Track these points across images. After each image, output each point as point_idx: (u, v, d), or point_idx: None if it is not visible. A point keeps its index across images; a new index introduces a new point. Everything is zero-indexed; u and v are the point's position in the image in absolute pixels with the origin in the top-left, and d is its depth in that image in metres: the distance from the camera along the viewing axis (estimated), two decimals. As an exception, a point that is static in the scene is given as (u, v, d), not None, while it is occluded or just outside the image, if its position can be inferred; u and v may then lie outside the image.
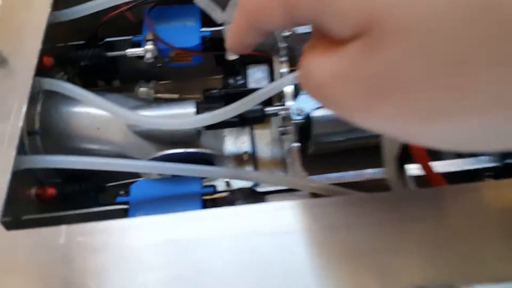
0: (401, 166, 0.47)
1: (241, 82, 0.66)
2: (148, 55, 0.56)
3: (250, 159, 0.66)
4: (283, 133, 0.59)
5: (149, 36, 0.57)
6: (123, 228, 0.33)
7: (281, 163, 0.66)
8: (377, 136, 0.52)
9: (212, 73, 0.72)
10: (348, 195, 0.44)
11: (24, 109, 0.41)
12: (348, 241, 0.31)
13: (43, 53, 0.50)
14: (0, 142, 0.40)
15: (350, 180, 0.49)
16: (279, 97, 0.62)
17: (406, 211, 0.33)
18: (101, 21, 0.59)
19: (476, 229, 0.31)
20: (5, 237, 0.34)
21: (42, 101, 0.53)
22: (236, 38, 0.27)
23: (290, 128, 0.52)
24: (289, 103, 0.52)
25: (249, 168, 0.63)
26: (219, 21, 0.55)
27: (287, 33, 0.55)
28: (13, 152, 0.38)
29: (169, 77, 0.73)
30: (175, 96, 0.68)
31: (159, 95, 0.67)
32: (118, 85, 0.71)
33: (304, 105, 0.49)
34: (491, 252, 0.30)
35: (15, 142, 0.39)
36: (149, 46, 0.56)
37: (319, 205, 0.33)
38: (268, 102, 0.66)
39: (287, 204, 0.33)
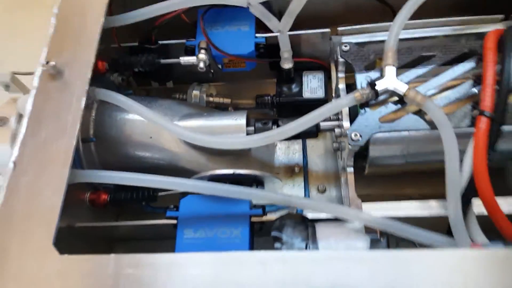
0: (466, 201, 0.43)
1: (296, 90, 0.63)
2: (201, 65, 0.54)
3: (301, 171, 0.64)
4: (337, 149, 0.56)
5: (203, 44, 0.56)
6: (170, 263, 0.33)
7: (334, 178, 0.63)
8: (436, 162, 0.48)
9: (266, 76, 0.69)
10: (402, 233, 0.41)
11: (78, 125, 0.41)
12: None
13: (97, 57, 0.50)
14: (56, 158, 0.40)
15: (406, 214, 0.45)
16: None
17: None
18: (155, 24, 0.58)
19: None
20: (57, 261, 0.35)
21: (96, 107, 0.54)
22: None
23: (345, 145, 0.49)
24: (345, 123, 0.48)
25: (299, 186, 0.61)
26: (275, 30, 0.52)
27: (346, 48, 0.51)
28: (67, 173, 0.38)
29: (222, 79, 0.71)
30: (227, 100, 0.66)
31: (211, 99, 0.66)
32: (172, 86, 0.70)
33: (362, 129, 0.46)
34: None
35: (69, 159, 0.39)
36: (202, 55, 0.55)
37: (377, 260, 0.30)
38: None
39: (342, 255, 0.30)
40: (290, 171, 0.64)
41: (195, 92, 0.65)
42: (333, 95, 0.59)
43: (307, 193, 0.62)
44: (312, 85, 0.62)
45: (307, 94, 0.62)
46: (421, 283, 0.29)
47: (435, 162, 0.50)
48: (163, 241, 0.58)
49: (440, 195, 0.59)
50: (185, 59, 0.55)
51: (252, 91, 0.70)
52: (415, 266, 0.30)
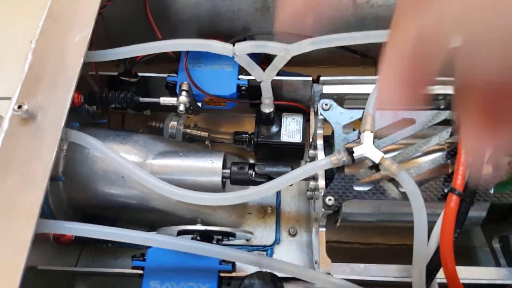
0: (431, 274, 0.44)
1: (274, 131, 0.62)
2: (181, 108, 0.53)
3: (273, 212, 0.64)
4: (311, 198, 0.56)
5: (185, 86, 0.55)
6: None
7: (306, 221, 0.63)
8: (407, 222, 0.49)
9: (246, 111, 0.69)
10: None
11: (47, 177, 0.39)
12: None
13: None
14: (21, 211, 0.38)
15: (375, 278, 0.46)
16: (310, 143, 0.59)
17: None
18: (136, 59, 0.56)
19: None
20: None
21: (68, 143, 0.52)
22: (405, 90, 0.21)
23: (319, 204, 0.50)
24: (320, 182, 0.48)
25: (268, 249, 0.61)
26: (258, 79, 0.52)
27: (326, 107, 0.51)
28: (32, 230, 0.37)
29: (201, 112, 0.70)
30: (205, 134, 0.66)
31: (188, 131, 0.65)
32: (149, 114, 0.69)
33: (337, 195, 0.46)
34: None
35: (36, 214, 0.38)
36: (183, 97, 0.54)
37: None
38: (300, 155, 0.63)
39: None
40: (262, 211, 0.64)
41: (172, 123, 0.64)
42: (310, 140, 0.60)
43: (278, 236, 0.62)
44: (290, 128, 0.62)
45: (284, 137, 0.61)
46: None
47: (405, 222, 0.51)
48: (127, 277, 0.58)
49: (405, 247, 0.61)
50: (166, 100, 0.54)
51: (231, 124, 0.70)
52: None
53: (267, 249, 0.62)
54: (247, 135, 0.64)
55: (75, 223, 0.42)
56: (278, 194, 0.65)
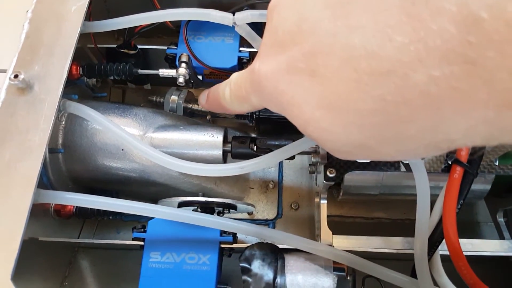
0: (433, 246, 0.43)
1: (276, 105, 0.61)
2: (181, 79, 0.52)
3: (275, 187, 0.64)
4: (313, 172, 0.56)
5: (184, 57, 0.54)
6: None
7: (308, 195, 0.63)
8: (409, 195, 0.49)
9: (247, 86, 0.68)
10: (369, 271, 0.42)
11: (45, 146, 0.39)
12: None
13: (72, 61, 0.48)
14: (19, 181, 0.38)
15: (376, 250, 0.46)
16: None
17: None
18: (135, 30, 0.55)
19: None
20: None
21: (67, 116, 0.52)
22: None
23: (320, 176, 0.49)
24: (322, 154, 0.48)
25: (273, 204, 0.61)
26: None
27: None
28: (29, 200, 0.37)
29: (202, 85, 0.69)
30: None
31: (189, 105, 0.64)
32: (149, 88, 0.68)
33: (338, 167, 0.46)
34: None
35: (33, 184, 0.38)
36: (183, 69, 0.53)
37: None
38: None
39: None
40: (264, 186, 0.64)
41: (173, 97, 0.63)
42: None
43: (280, 211, 0.62)
44: (293, 102, 0.61)
45: (287, 111, 0.60)
46: None
47: (408, 195, 0.51)
48: (130, 251, 0.58)
49: (409, 221, 0.60)
50: (164, 72, 0.53)
51: (233, 99, 0.69)
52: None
53: (269, 223, 0.62)
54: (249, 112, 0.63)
55: (76, 193, 0.41)
56: (281, 168, 0.65)
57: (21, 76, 0.41)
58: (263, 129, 0.63)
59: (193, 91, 0.67)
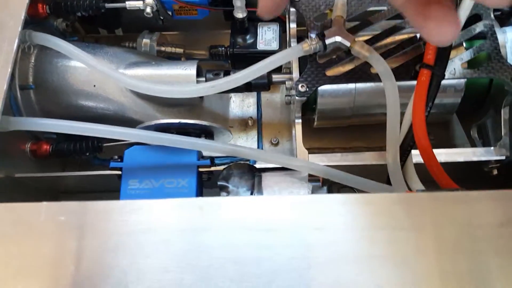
0: (405, 152, 0.44)
1: (250, 41, 0.61)
2: (148, 10, 0.52)
3: (255, 124, 0.64)
4: (289, 102, 0.56)
5: (151, -13, 0.53)
6: (106, 210, 0.32)
7: (288, 130, 0.63)
8: (382, 114, 0.49)
9: (221, 27, 0.67)
10: (343, 181, 0.43)
11: (9, 69, 0.39)
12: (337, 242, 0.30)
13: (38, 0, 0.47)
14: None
15: (350, 163, 0.46)
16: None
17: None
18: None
19: None
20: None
21: (36, 53, 0.51)
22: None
23: (294, 98, 0.49)
24: (295, 75, 0.48)
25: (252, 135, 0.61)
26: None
27: (297, -2, 0.50)
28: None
29: (175, 28, 0.68)
30: (180, 50, 0.64)
31: (162, 48, 0.64)
32: (122, 34, 0.67)
33: (309, 81, 0.46)
34: None
35: None
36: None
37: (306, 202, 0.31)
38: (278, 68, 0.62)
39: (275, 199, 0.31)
40: (244, 124, 0.64)
41: (145, 41, 0.62)
42: (288, 47, 0.59)
43: (260, 146, 0.62)
44: (266, 37, 0.61)
45: (261, 46, 0.60)
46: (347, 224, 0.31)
47: (380, 115, 0.51)
48: (112, 193, 0.58)
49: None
50: (131, 3, 0.53)
51: (207, 41, 0.68)
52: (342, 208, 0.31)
53: (250, 160, 0.62)
54: (223, 48, 0.62)
55: (47, 119, 0.41)
56: (259, 106, 0.65)
57: (-20, 1, 0.40)
58: (239, 66, 0.63)
59: (166, 36, 0.67)
